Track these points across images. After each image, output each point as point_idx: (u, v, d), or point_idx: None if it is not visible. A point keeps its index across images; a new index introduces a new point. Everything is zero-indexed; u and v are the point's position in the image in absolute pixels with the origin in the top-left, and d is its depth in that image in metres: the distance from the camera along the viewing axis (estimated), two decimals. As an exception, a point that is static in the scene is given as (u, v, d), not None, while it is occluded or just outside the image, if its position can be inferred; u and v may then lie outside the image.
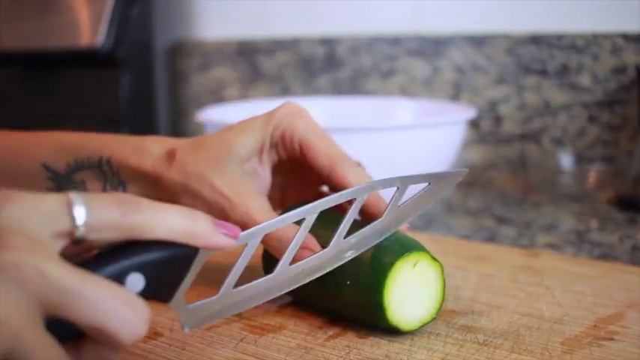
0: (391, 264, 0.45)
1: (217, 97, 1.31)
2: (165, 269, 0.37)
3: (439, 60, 1.07)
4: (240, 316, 0.50)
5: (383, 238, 0.47)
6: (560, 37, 0.97)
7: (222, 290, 0.41)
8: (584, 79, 0.95)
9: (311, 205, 0.43)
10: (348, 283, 0.46)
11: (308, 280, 0.44)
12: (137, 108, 1.30)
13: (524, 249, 0.68)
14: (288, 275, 0.44)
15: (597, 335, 0.46)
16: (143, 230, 0.35)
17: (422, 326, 0.47)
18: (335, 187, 0.51)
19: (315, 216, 0.43)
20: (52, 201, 0.34)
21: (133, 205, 0.35)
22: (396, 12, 1.11)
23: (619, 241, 0.73)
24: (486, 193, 0.97)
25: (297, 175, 0.55)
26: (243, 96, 1.28)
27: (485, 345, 0.45)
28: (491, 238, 0.74)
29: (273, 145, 0.52)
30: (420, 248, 0.47)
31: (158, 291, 0.37)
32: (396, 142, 0.74)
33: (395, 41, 1.10)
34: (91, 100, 1.31)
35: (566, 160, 0.96)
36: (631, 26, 0.91)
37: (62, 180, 0.54)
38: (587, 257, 0.67)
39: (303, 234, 0.43)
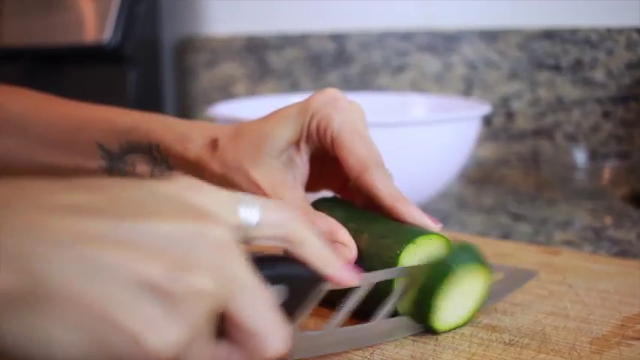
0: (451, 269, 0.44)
1: (225, 93, 1.30)
2: (300, 288, 0.38)
3: (450, 55, 1.06)
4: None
5: None
6: (574, 32, 0.96)
7: (329, 325, 0.42)
8: (599, 75, 0.94)
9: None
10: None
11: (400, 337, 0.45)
12: (144, 104, 1.29)
13: (543, 246, 0.67)
14: (384, 327, 0.45)
15: (625, 335, 0.46)
16: (296, 244, 0.37)
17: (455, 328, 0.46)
18: (361, 191, 0.49)
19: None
20: (229, 198, 0.35)
21: (296, 215, 0.37)
22: (406, 7, 1.10)
23: (637, 238, 0.72)
24: (499, 189, 0.96)
25: (335, 163, 0.53)
26: (252, 92, 1.27)
27: (512, 345, 0.44)
28: (507, 235, 0.73)
29: (311, 135, 0.50)
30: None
31: (287, 310, 0.37)
32: (410, 138, 0.73)
33: (406, 36, 1.09)
34: (97, 96, 1.30)
35: (579, 157, 0.95)
36: (646, 20, 0.90)
37: (115, 160, 0.55)
38: (606, 254, 0.66)
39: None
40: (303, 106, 0.50)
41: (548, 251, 0.64)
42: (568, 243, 0.70)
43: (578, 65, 0.96)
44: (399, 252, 0.45)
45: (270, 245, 0.37)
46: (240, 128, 0.52)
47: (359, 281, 0.40)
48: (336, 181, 0.55)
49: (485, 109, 0.79)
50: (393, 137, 0.72)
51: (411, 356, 0.43)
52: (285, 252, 0.38)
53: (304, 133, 0.50)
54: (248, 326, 0.32)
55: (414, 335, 0.46)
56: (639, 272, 0.58)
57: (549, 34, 0.97)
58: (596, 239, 0.72)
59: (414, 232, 0.46)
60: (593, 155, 0.95)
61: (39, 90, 1.36)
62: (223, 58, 1.30)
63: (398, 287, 0.44)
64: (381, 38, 1.12)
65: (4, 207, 0.27)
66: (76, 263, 0.27)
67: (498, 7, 1.02)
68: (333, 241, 0.46)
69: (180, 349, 0.29)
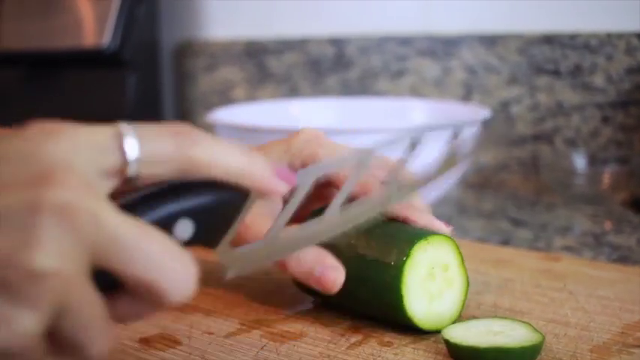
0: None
1: (224, 97, 1.30)
2: (215, 215, 0.34)
3: (450, 60, 1.06)
4: (259, 323, 0.49)
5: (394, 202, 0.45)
6: (573, 37, 0.96)
7: (270, 233, 0.39)
8: (598, 80, 0.94)
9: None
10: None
11: (350, 226, 0.42)
12: (143, 109, 1.29)
13: (542, 252, 0.67)
14: (334, 221, 0.41)
15: (626, 342, 0.45)
16: (200, 167, 0.32)
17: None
18: None
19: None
20: (101, 134, 0.30)
21: (190, 138, 0.32)
22: (405, 12, 1.10)
23: (637, 243, 0.72)
24: (499, 194, 0.96)
25: (315, 198, 0.53)
26: (251, 96, 1.27)
27: (512, 353, 0.44)
28: (507, 241, 0.73)
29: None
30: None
31: (205, 237, 0.34)
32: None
33: (405, 41, 1.09)
34: (96, 100, 1.30)
35: (579, 162, 0.95)
36: (646, 26, 0.90)
37: None
38: (606, 260, 0.66)
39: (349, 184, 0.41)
40: (284, 146, 0.50)
41: (549, 257, 0.64)
42: (568, 249, 0.70)
43: (577, 70, 0.96)
44: (409, 249, 0.46)
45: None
46: None
47: (288, 187, 0.36)
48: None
49: (484, 113, 0.78)
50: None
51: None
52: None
53: None
54: (138, 279, 0.29)
55: (414, 342, 0.45)
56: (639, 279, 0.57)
57: (549, 39, 0.97)
58: (596, 245, 0.72)
59: (423, 231, 0.47)
60: (593, 160, 0.94)
61: (38, 94, 1.35)
62: (222, 62, 1.30)
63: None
64: (381, 43, 1.12)
65: None
66: None
67: (498, 12, 1.02)
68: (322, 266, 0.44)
69: (40, 331, 0.26)
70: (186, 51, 1.34)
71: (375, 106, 0.98)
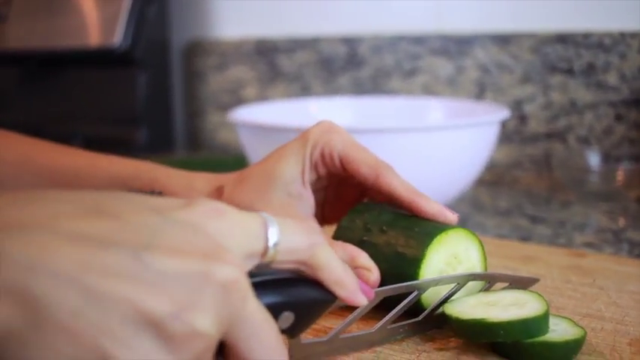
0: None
1: (235, 96, 1.31)
2: (311, 311, 0.39)
3: (463, 59, 1.07)
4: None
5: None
6: (586, 36, 0.97)
7: (331, 334, 0.44)
8: (611, 78, 0.95)
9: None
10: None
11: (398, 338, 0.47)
12: (153, 107, 1.30)
13: (567, 249, 0.68)
14: (383, 334, 0.46)
15: (662, 336, 0.46)
16: (317, 267, 0.37)
17: None
18: (380, 194, 0.52)
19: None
20: (253, 221, 0.34)
21: (319, 239, 0.37)
22: (419, 11, 1.11)
23: (656, 240, 0.73)
24: (513, 192, 0.97)
25: (336, 191, 0.57)
26: (262, 95, 1.27)
27: (553, 347, 0.45)
28: (527, 238, 0.74)
29: (313, 165, 0.52)
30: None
31: (296, 330, 0.39)
32: (427, 143, 0.74)
33: (418, 40, 1.10)
34: (107, 99, 1.31)
35: (592, 159, 0.96)
36: (659, 25, 0.92)
37: None
38: (627, 256, 0.67)
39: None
40: (302, 140, 0.52)
41: (573, 254, 0.65)
42: (588, 245, 0.71)
43: (591, 69, 0.97)
44: (428, 243, 0.47)
45: (286, 268, 0.37)
46: (243, 173, 0.54)
47: (371, 298, 0.41)
48: (336, 210, 0.57)
49: (503, 113, 0.79)
50: (410, 142, 0.73)
51: (457, 356, 0.44)
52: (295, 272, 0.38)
53: (307, 165, 0.52)
54: (247, 358, 0.32)
55: (456, 336, 0.46)
56: (666, 274, 0.59)
57: (562, 38, 0.99)
58: (615, 241, 0.73)
59: (441, 225, 0.49)
60: (606, 158, 0.96)
61: (49, 92, 1.35)
62: (233, 61, 1.31)
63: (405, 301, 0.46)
64: (393, 42, 1.13)
65: (16, 230, 0.27)
66: (77, 293, 0.27)
67: (511, 11, 1.03)
68: (354, 267, 0.47)
69: None
70: (196, 50, 1.35)
71: (389, 105, 0.98)
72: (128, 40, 1.23)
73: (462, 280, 0.48)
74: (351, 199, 0.56)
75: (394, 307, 0.46)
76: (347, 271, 0.39)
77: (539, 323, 0.43)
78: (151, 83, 1.29)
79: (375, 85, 1.15)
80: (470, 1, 1.06)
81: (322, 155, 0.52)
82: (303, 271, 0.37)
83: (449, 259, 0.48)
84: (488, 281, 0.50)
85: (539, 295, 0.46)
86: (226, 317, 0.30)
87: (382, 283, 0.48)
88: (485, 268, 0.51)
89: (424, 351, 0.45)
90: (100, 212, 0.30)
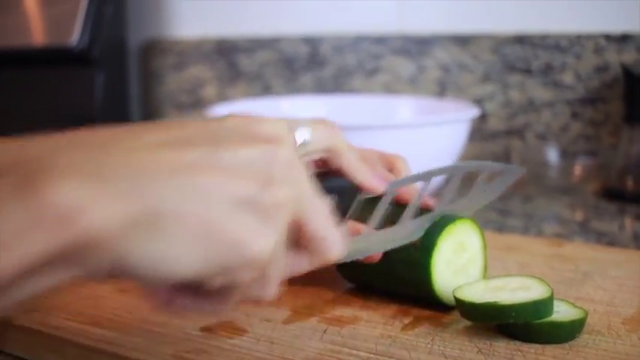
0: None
1: (194, 96, 1.31)
2: (341, 197, 0.46)
3: (424, 59, 1.10)
4: (310, 309, 0.52)
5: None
6: (544, 37, 1.01)
7: (365, 230, 0.48)
8: (568, 78, 1.00)
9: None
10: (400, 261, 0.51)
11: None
12: (111, 107, 1.29)
13: (543, 238, 0.71)
14: (405, 231, 0.50)
15: (651, 315, 0.50)
16: (339, 154, 0.47)
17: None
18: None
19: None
20: (284, 122, 0.39)
21: (336, 129, 0.46)
22: (380, 11, 1.14)
23: (619, 229, 0.77)
24: (476, 187, 1.01)
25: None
26: (222, 95, 1.28)
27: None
28: (500, 229, 0.78)
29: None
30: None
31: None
32: (396, 141, 0.76)
33: (379, 40, 1.13)
34: (64, 99, 1.29)
35: (551, 155, 1.01)
36: (613, 27, 0.96)
37: None
38: (600, 245, 0.71)
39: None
40: None
41: (552, 243, 0.68)
42: (559, 235, 0.75)
43: (548, 69, 1.01)
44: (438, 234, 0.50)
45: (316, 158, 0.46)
46: None
47: (385, 187, 0.49)
48: None
49: (474, 111, 0.82)
50: (378, 140, 0.75)
51: (469, 340, 0.46)
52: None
53: None
54: (317, 233, 0.38)
55: (465, 321, 0.49)
56: (640, 260, 0.63)
57: (520, 39, 1.03)
58: (583, 232, 0.77)
59: (450, 216, 0.52)
60: (564, 154, 1.00)
61: (4, 92, 1.32)
62: (192, 60, 1.31)
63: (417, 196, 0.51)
64: (355, 42, 1.15)
65: (103, 151, 0.32)
66: (178, 189, 0.31)
67: (471, 12, 1.07)
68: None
69: (274, 252, 0.34)
70: (154, 49, 1.35)
71: (353, 103, 1.00)
72: (85, 39, 1.22)
73: (456, 171, 0.53)
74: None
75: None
76: (362, 161, 0.48)
77: (546, 305, 0.46)
78: (108, 83, 1.28)
79: (336, 85, 1.17)
80: (431, 2, 1.09)
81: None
82: (331, 159, 0.46)
83: (456, 246, 0.51)
84: (479, 171, 0.55)
85: (542, 279, 0.49)
86: (294, 189, 0.35)
87: (396, 273, 0.50)
88: (486, 256, 0.54)
89: (437, 335, 0.47)
90: (167, 127, 0.35)
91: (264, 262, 0.33)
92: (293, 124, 0.42)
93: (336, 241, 0.39)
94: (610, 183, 0.92)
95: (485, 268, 0.54)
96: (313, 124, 0.44)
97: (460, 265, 0.52)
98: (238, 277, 0.33)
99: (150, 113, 1.37)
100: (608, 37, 0.96)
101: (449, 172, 0.54)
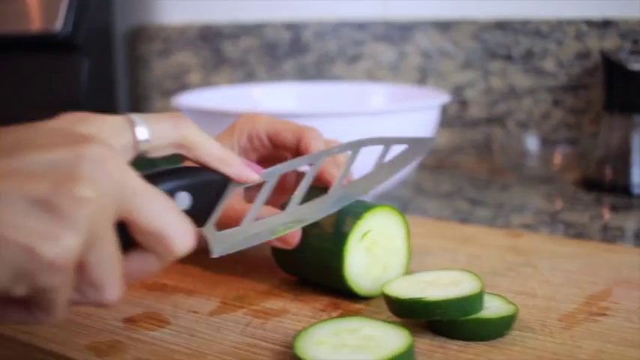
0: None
1: (179, 82, 1.30)
2: (206, 193, 0.42)
3: (405, 45, 1.08)
4: (240, 300, 0.51)
5: (344, 204, 0.51)
6: (525, 23, 0.99)
7: (245, 221, 0.46)
8: (549, 64, 0.98)
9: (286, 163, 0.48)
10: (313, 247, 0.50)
11: (308, 223, 0.49)
12: (97, 93, 1.28)
13: (504, 230, 0.69)
14: (295, 215, 0.48)
15: (590, 311, 0.48)
16: (191, 145, 0.41)
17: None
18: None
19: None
20: (117, 118, 0.39)
21: (184, 121, 0.41)
22: (362, -3, 1.12)
23: (590, 220, 0.75)
24: (455, 175, 0.99)
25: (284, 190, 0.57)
26: (206, 81, 1.27)
27: (487, 323, 0.46)
28: (466, 220, 0.76)
29: (242, 151, 0.54)
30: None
31: (197, 213, 0.41)
32: (369, 127, 0.75)
33: (361, 26, 1.11)
34: (50, 85, 1.28)
35: (531, 143, 0.99)
36: (594, 13, 0.94)
37: None
38: (563, 237, 0.69)
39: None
40: (229, 131, 0.55)
41: (510, 234, 0.66)
42: (526, 226, 0.73)
43: (529, 55, 0.99)
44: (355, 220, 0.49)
45: (167, 155, 0.41)
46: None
47: (260, 176, 0.44)
48: (286, 186, 0.58)
49: (443, 98, 0.81)
50: (354, 126, 0.74)
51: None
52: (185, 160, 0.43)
53: (235, 151, 0.54)
54: (149, 228, 0.35)
55: (388, 316, 0.47)
56: (598, 253, 0.61)
57: (501, 25, 1.00)
58: (551, 222, 0.75)
59: (369, 204, 0.51)
60: (544, 142, 0.98)
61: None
62: (177, 47, 1.29)
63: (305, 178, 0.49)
64: (337, 28, 1.13)
65: None
66: None
67: (452, -2, 1.05)
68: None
69: (77, 254, 0.32)
70: (139, 36, 1.33)
71: (332, 91, 0.99)
72: (69, 25, 1.21)
73: (354, 147, 0.50)
74: (288, 183, 0.57)
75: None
76: (227, 151, 0.43)
77: (474, 301, 0.44)
78: (94, 69, 1.27)
79: (318, 71, 1.15)
80: (412, -12, 1.07)
81: (250, 139, 0.54)
82: (185, 155, 0.42)
83: (373, 234, 0.50)
84: (385, 145, 0.52)
85: (475, 274, 0.47)
86: (108, 185, 0.33)
87: (315, 261, 0.49)
88: (409, 245, 0.53)
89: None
90: None
91: (67, 265, 0.31)
92: (130, 122, 0.39)
93: (179, 234, 0.36)
94: (589, 172, 0.90)
95: (409, 257, 0.53)
96: (154, 121, 0.40)
97: (378, 254, 0.50)
98: (42, 283, 0.31)
99: (136, 99, 1.37)
100: (590, 23, 0.94)
101: (348, 148, 0.50)
